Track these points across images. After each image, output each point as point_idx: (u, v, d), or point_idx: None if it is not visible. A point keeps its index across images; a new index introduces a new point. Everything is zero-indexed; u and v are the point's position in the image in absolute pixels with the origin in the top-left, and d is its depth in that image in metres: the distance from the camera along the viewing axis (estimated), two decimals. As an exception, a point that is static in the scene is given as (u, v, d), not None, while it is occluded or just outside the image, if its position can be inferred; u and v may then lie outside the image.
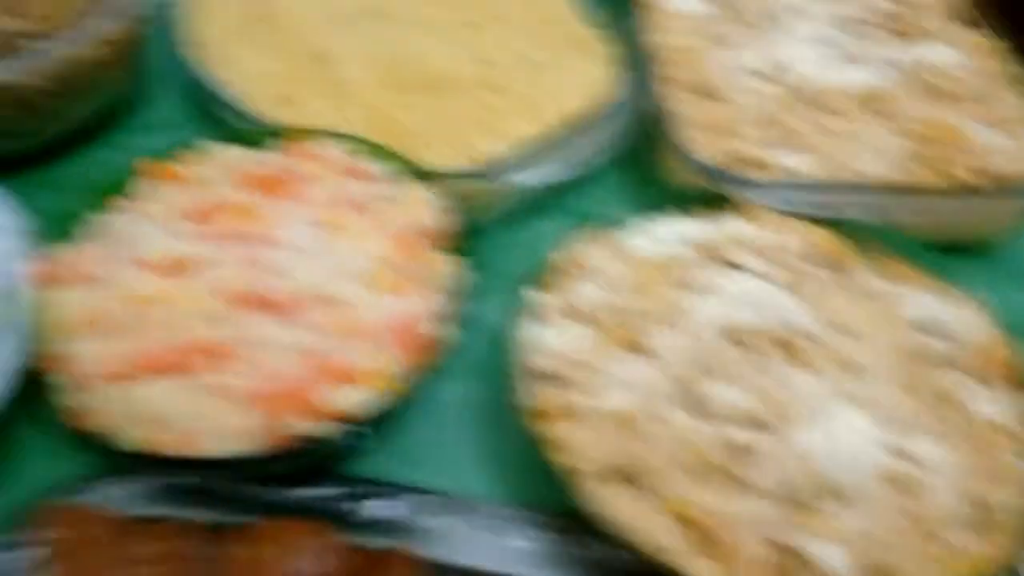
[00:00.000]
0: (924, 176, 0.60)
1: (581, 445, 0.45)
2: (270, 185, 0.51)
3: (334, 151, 0.55)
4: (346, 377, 0.43)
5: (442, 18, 0.72)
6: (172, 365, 0.43)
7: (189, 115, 0.72)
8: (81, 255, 0.49)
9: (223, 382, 0.43)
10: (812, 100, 0.64)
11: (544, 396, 0.47)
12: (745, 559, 0.41)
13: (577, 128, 0.63)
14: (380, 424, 0.45)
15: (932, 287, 0.53)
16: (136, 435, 0.42)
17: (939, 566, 0.41)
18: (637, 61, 0.67)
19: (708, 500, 0.43)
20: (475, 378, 0.54)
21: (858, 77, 0.66)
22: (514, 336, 0.49)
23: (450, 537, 0.45)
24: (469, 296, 0.51)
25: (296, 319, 0.45)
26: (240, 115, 0.62)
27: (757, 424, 0.45)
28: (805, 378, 0.47)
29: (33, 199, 0.59)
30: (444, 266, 0.50)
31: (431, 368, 0.46)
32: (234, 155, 0.54)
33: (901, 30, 0.72)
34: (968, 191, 0.59)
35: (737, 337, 0.49)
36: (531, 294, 0.50)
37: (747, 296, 0.50)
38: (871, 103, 0.65)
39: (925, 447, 0.45)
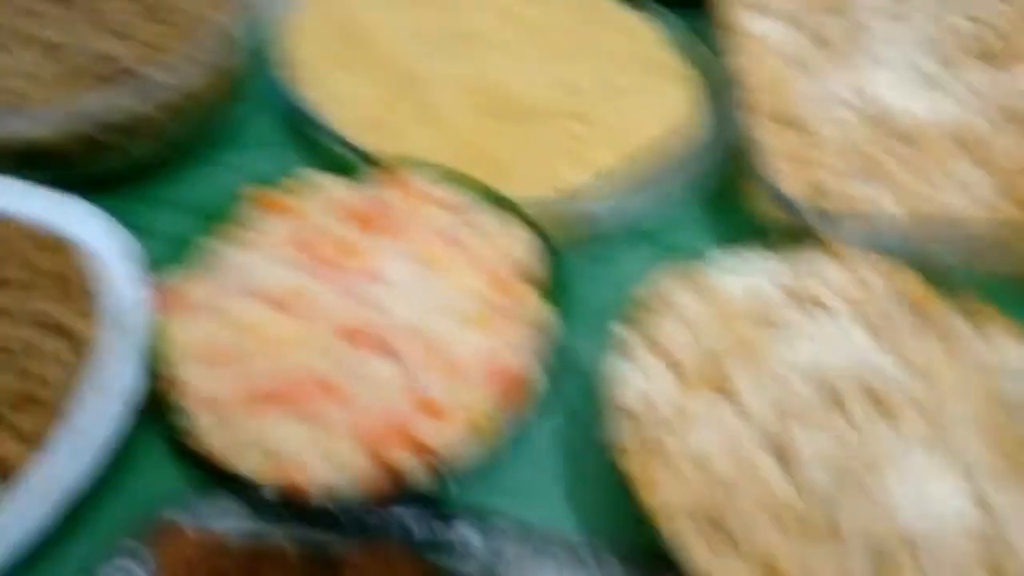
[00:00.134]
0: (1012, 214, 0.59)
1: (666, 485, 0.46)
2: (369, 219, 0.53)
3: (427, 181, 0.57)
4: (443, 414, 0.46)
5: (526, 42, 0.73)
6: (283, 396, 0.46)
7: (284, 134, 0.75)
8: (195, 284, 0.52)
9: (329, 415, 0.45)
10: (897, 131, 0.64)
11: (631, 434, 0.48)
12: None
13: (661, 158, 0.64)
14: (473, 459, 0.47)
15: (1020, 334, 0.53)
16: (247, 462, 0.45)
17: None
18: (721, 88, 0.68)
19: (791, 548, 0.44)
20: (562, 412, 0.55)
21: (944, 107, 0.66)
22: (602, 373, 0.50)
23: (532, 568, 0.47)
24: (558, 330, 0.52)
25: (396, 355, 0.47)
26: (334, 139, 0.65)
27: (841, 472, 0.46)
28: (890, 427, 0.48)
29: (131, 216, 0.62)
30: (535, 302, 0.52)
31: (524, 407, 0.48)
32: (334, 186, 0.57)
33: (989, 53, 0.71)
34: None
35: (823, 382, 0.50)
36: (619, 331, 0.52)
37: (833, 340, 0.51)
38: (957, 134, 0.64)
39: (1011, 500, 0.46)
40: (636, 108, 0.68)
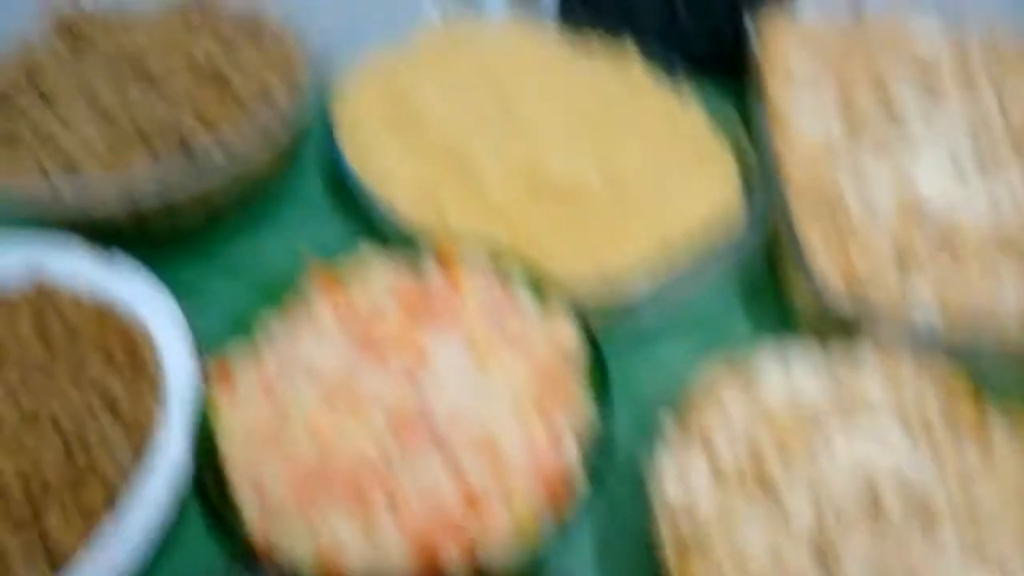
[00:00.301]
0: (1053, 314, 0.60)
1: (710, 587, 0.46)
2: (419, 303, 0.55)
3: (476, 264, 0.58)
4: (489, 511, 0.46)
5: (571, 122, 0.75)
6: (332, 487, 0.47)
7: (335, 202, 0.77)
8: (246, 363, 0.54)
9: (377, 507, 0.46)
10: (936, 225, 0.65)
11: (672, 531, 0.49)
12: None
13: (701, 244, 0.65)
14: (517, 557, 0.48)
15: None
16: (292, 550, 0.46)
17: None
18: (764, 177, 0.69)
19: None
20: (603, 504, 0.56)
21: (983, 202, 0.66)
22: (645, 466, 0.51)
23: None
24: (600, 420, 0.53)
25: (445, 447, 0.48)
26: (386, 214, 0.66)
27: (883, 581, 0.46)
28: (929, 533, 0.48)
29: (180, 280, 0.65)
30: (580, 394, 0.52)
31: (569, 505, 0.48)
32: (385, 265, 0.58)
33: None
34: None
35: (864, 486, 0.50)
36: (663, 425, 0.52)
37: (873, 441, 0.51)
38: (996, 231, 0.65)
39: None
40: (677, 192, 0.69)
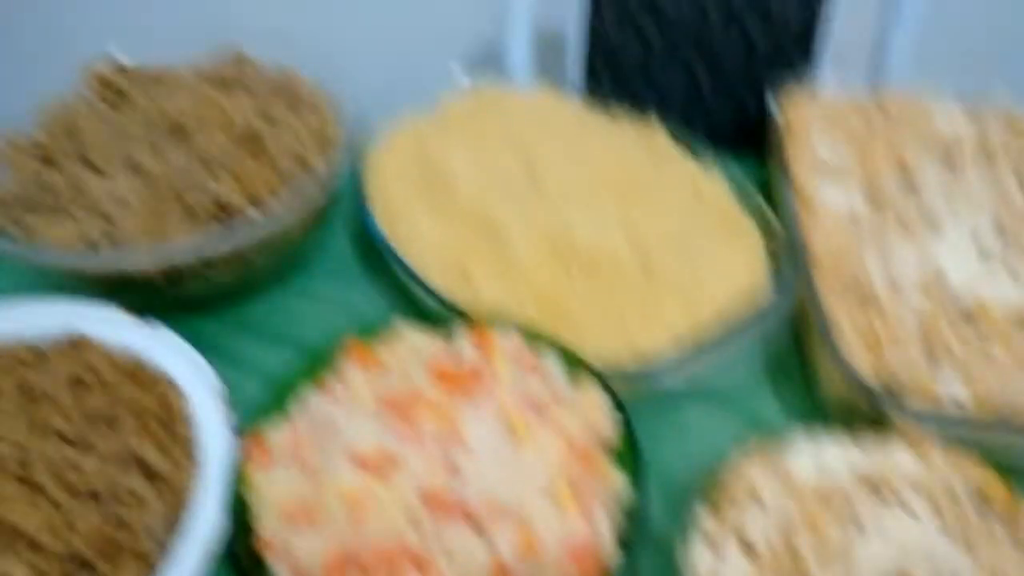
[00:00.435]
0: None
1: None
2: (453, 378, 0.55)
3: (511, 341, 0.59)
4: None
5: (597, 191, 0.76)
6: (367, 565, 0.47)
7: (364, 265, 0.78)
8: (282, 434, 0.54)
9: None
10: (964, 311, 0.65)
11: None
12: None
13: (729, 320, 0.65)
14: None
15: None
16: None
17: None
18: (791, 253, 0.70)
19: None
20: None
21: (1009, 288, 0.67)
22: (681, 549, 0.51)
23: None
24: (631, 497, 0.53)
25: (480, 527, 0.49)
26: (419, 285, 0.67)
27: None
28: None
29: (212, 341, 0.66)
30: (613, 474, 0.53)
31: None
32: (420, 339, 0.59)
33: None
34: None
35: (899, 577, 0.50)
36: (695, 512, 0.53)
37: (905, 533, 0.52)
38: (1022, 317, 0.66)
39: None
40: (704, 267, 0.70)
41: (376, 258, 0.76)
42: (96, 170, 0.71)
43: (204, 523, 0.51)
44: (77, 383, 0.57)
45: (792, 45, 0.92)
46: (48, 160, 0.72)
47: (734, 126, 0.97)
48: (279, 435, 0.54)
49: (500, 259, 0.70)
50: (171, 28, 0.89)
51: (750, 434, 0.65)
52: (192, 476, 0.54)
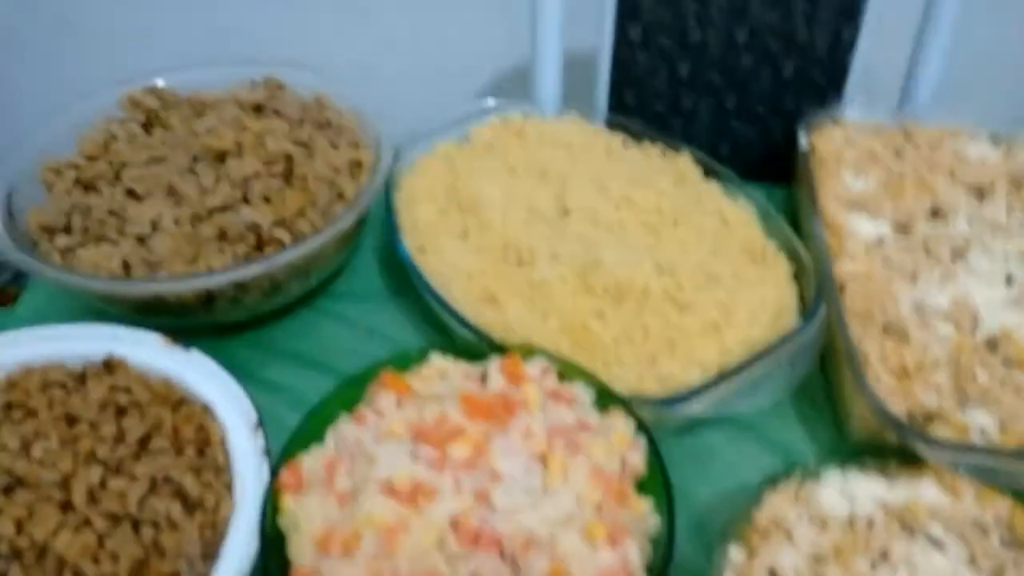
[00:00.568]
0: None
1: None
2: (490, 411, 0.56)
3: (541, 370, 0.60)
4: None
5: (624, 219, 0.76)
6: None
7: (394, 289, 0.79)
8: (314, 461, 0.55)
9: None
10: (995, 348, 0.65)
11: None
12: None
13: (759, 352, 0.65)
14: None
15: None
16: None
17: None
18: (819, 282, 0.70)
19: None
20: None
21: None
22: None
23: None
24: (662, 531, 0.54)
25: (515, 561, 0.49)
26: (448, 311, 0.68)
27: None
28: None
29: (244, 364, 0.67)
30: (644, 508, 0.53)
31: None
32: (456, 371, 0.60)
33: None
34: None
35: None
36: (727, 542, 0.53)
37: (934, 572, 0.52)
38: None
39: None
40: (732, 296, 0.70)
41: (405, 282, 0.76)
42: (133, 195, 0.72)
43: (238, 549, 0.52)
44: (114, 407, 0.58)
45: (819, 73, 0.92)
46: (87, 185, 0.73)
47: (760, 153, 0.98)
48: (312, 462, 0.55)
49: (528, 286, 0.70)
50: (206, 53, 0.91)
51: (776, 463, 0.66)
52: (226, 502, 0.54)
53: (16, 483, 0.52)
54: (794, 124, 0.85)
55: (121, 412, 0.58)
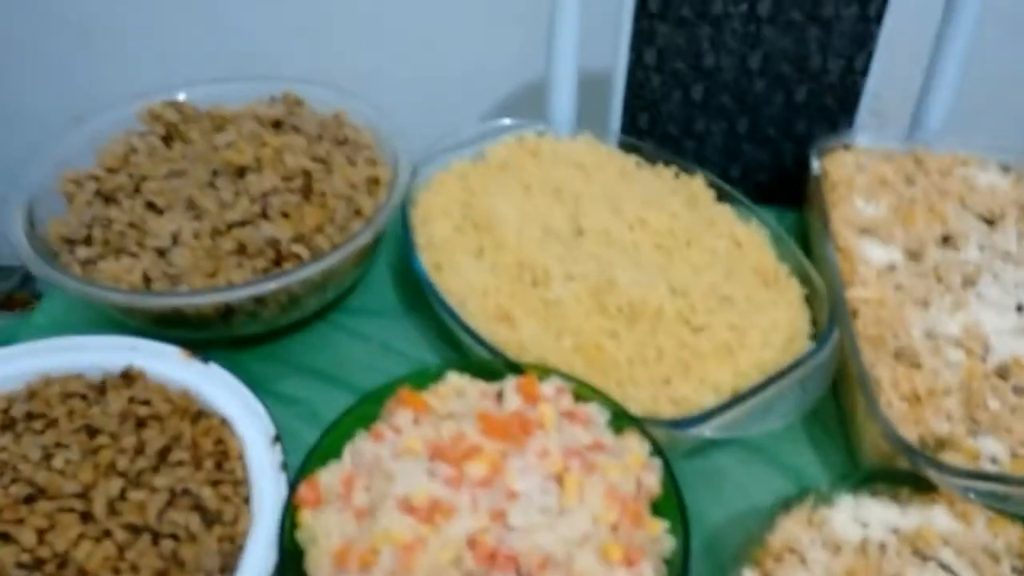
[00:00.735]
0: None
1: None
2: (506, 430, 0.56)
3: (556, 390, 0.60)
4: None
5: (637, 240, 0.77)
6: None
7: (408, 305, 0.80)
8: (331, 477, 0.55)
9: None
10: (1009, 378, 0.65)
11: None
12: None
13: (771, 375, 0.66)
14: None
15: None
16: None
17: None
18: (831, 306, 0.70)
19: None
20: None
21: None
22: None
23: None
24: (676, 552, 0.54)
25: (528, 575, 0.49)
26: (463, 329, 0.68)
27: None
28: None
29: (260, 377, 0.67)
30: (659, 530, 0.54)
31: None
32: (472, 389, 0.60)
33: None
34: None
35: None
36: (741, 571, 0.53)
37: (949, 596, 0.52)
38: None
39: None
40: (744, 318, 0.70)
41: (419, 298, 0.77)
42: (153, 208, 0.73)
43: (256, 563, 0.52)
44: (134, 419, 0.58)
45: (831, 98, 0.94)
46: (107, 197, 0.74)
47: (771, 177, 0.99)
48: (330, 477, 0.55)
49: (543, 305, 0.71)
50: (221, 65, 0.92)
51: (787, 486, 0.66)
52: (244, 515, 0.55)
53: (38, 493, 0.53)
54: (805, 149, 0.86)
55: (141, 424, 0.58)
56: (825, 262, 0.75)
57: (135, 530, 0.53)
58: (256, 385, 0.63)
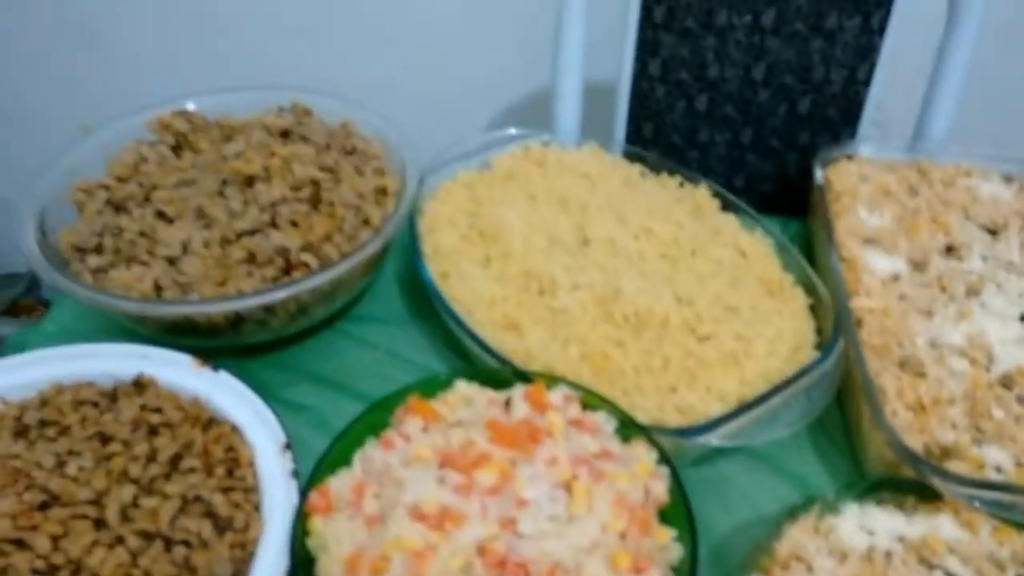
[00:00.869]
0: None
1: None
2: (515, 438, 0.57)
3: (564, 398, 0.61)
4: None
5: (643, 249, 0.78)
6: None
7: (415, 313, 0.80)
8: (341, 484, 0.56)
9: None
10: (1013, 388, 0.66)
11: None
12: None
13: (776, 384, 0.66)
14: None
15: None
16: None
17: None
18: (835, 315, 0.71)
19: None
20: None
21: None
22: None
23: None
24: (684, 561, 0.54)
25: (538, 584, 0.50)
26: (471, 337, 0.69)
27: None
28: None
29: (268, 385, 0.68)
30: (667, 538, 0.54)
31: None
32: (481, 398, 0.61)
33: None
34: None
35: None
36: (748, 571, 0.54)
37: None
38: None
39: None
40: (750, 327, 0.71)
41: (426, 307, 0.78)
42: (163, 217, 0.73)
43: (267, 569, 0.53)
44: (146, 427, 0.59)
45: (834, 109, 0.94)
46: (117, 206, 0.75)
47: (774, 187, 0.99)
48: (340, 485, 0.56)
49: (550, 314, 0.71)
50: (228, 75, 0.92)
51: (792, 495, 0.67)
52: (255, 522, 0.55)
53: (51, 500, 0.53)
54: (809, 159, 0.86)
55: (153, 431, 0.59)
56: (829, 272, 0.75)
57: (148, 536, 0.53)
58: (262, 392, 0.64)
